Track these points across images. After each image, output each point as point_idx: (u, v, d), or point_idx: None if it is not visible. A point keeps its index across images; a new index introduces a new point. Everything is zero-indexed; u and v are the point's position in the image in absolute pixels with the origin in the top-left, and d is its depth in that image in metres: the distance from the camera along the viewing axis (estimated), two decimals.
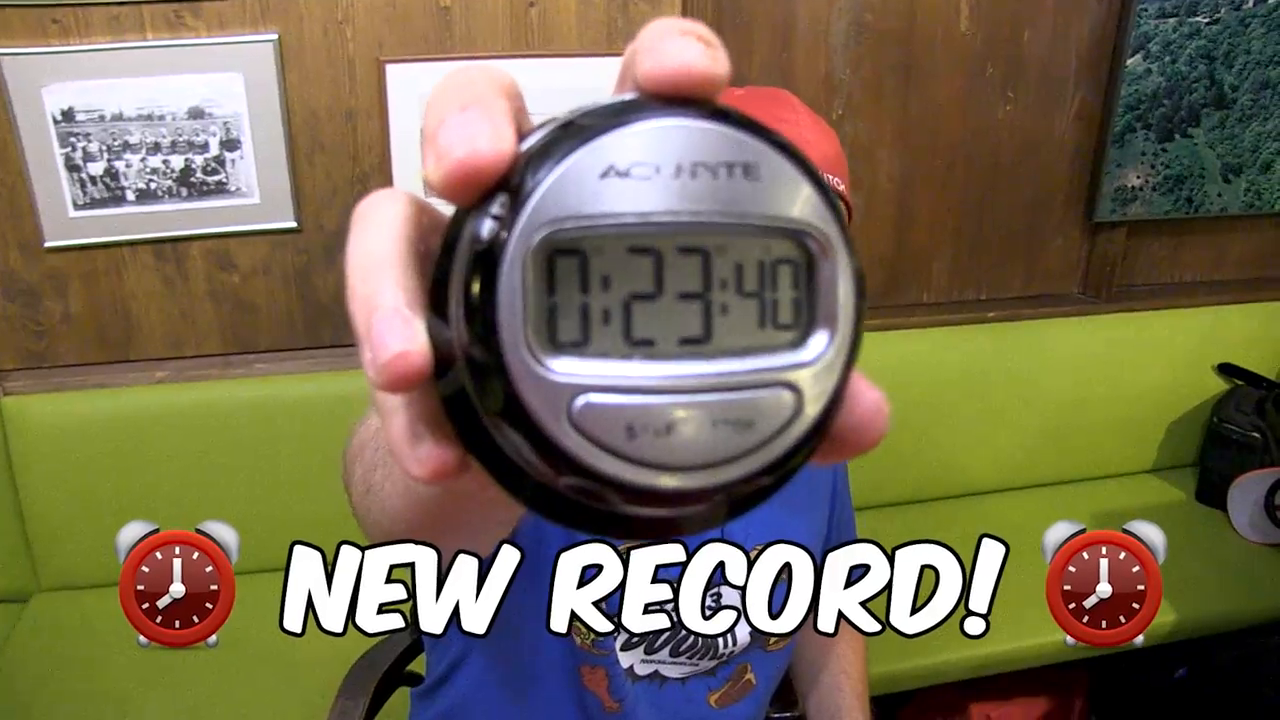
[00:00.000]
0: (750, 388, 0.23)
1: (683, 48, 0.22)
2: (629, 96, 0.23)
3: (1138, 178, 2.07)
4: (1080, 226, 2.16)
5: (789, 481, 0.25)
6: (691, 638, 0.92)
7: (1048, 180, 2.10)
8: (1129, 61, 1.96)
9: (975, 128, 2.01)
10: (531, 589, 0.57)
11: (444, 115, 0.22)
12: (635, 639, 0.91)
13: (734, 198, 0.22)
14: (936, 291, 2.13)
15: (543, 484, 0.23)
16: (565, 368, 0.22)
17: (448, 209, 0.24)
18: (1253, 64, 2.03)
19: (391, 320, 0.22)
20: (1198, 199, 2.13)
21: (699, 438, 0.22)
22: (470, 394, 0.23)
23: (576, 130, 0.22)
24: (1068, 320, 2.14)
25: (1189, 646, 1.79)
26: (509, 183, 0.22)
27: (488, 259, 0.22)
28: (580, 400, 0.22)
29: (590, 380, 0.22)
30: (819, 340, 0.24)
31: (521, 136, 0.23)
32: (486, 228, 0.22)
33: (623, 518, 0.24)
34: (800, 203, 0.23)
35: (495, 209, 0.22)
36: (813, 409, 0.23)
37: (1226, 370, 2.18)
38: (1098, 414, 2.14)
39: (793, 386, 0.23)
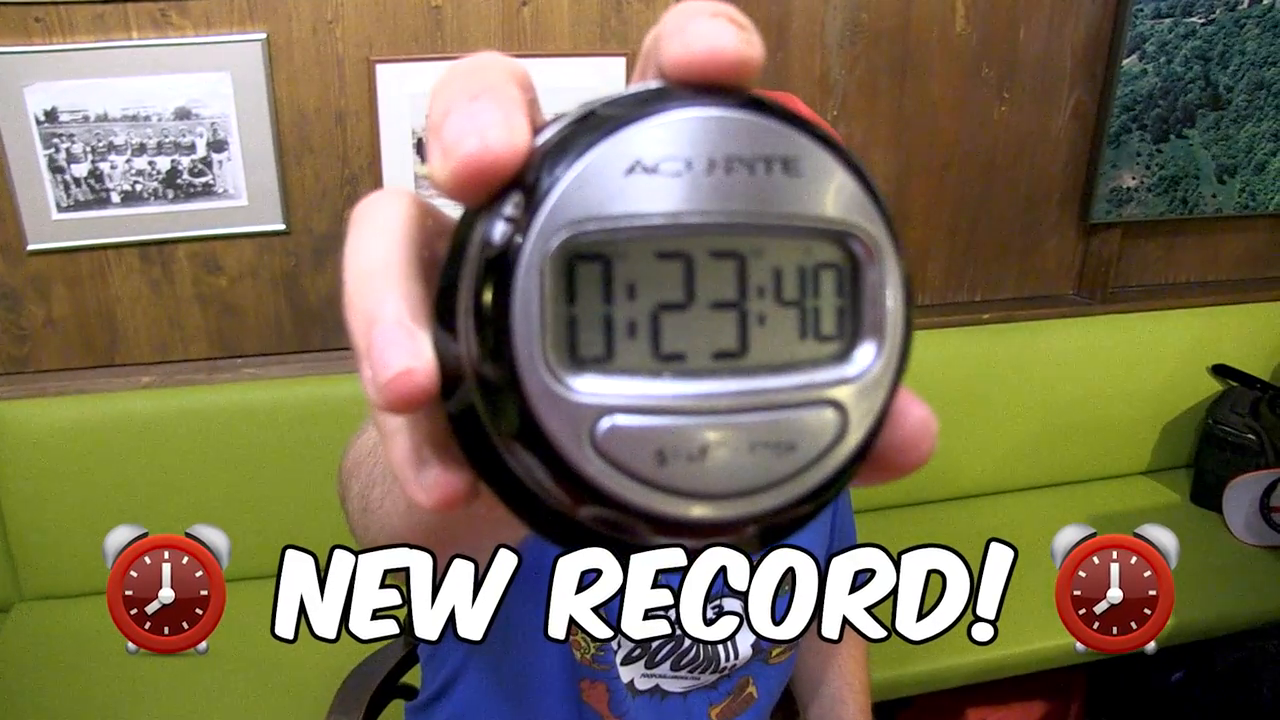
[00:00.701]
0: (791, 406, 0.21)
1: (712, 30, 0.20)
2: (654, 85, 0.21)
3: (1133, 178, 2.07)
4: (1075, 227, 2.16)
5: (828, 508, 0.23)
6: (693, 651, 0.90)
7: (1043, 181, 2.09)
8: (1124, 62, 1.96)
9: (970, 128, 2.00)
10: (530, 601, 0.55)
11: (451, 105, 0.20)
12: (636, 652, 0.89)
13: (772, 196, 0.20)
14: (931, 293, 2.12)
15: (561, 513, 0.21)
16: (587, 386, 0.20)
17: (454, 210, 0.22)
18: (1248, 65, 2.03)
19: (394, 334, 0.20)
20: (1192, 200, 2.12)
21: (735, 463, 0.20)
22: (481, 415, 0.21)
23: (598, 122, 0.20)
24: (1062, 321, 2.13)
25: (1186, 649, 1.78)
26: (523, 180, 0.20)
27: (500, 265, 0.20)
28: (604, 422, 0.20)
29: (615, 400, 0.20)
30: (865, 353, 0.22)
31: (536, 130, 0.21)
32: (499, 230, 0.20)
33: (648, 549, 0.22)
34: (845, 201, 0.21)
35: (508, 210, 0.20)
36: (858, 429, 0.21)
37: (1221, 371, 2.18)
38: (1092, 415, 2.14)
39: (837, 404, 0.21)
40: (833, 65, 1.88)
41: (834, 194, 0.21)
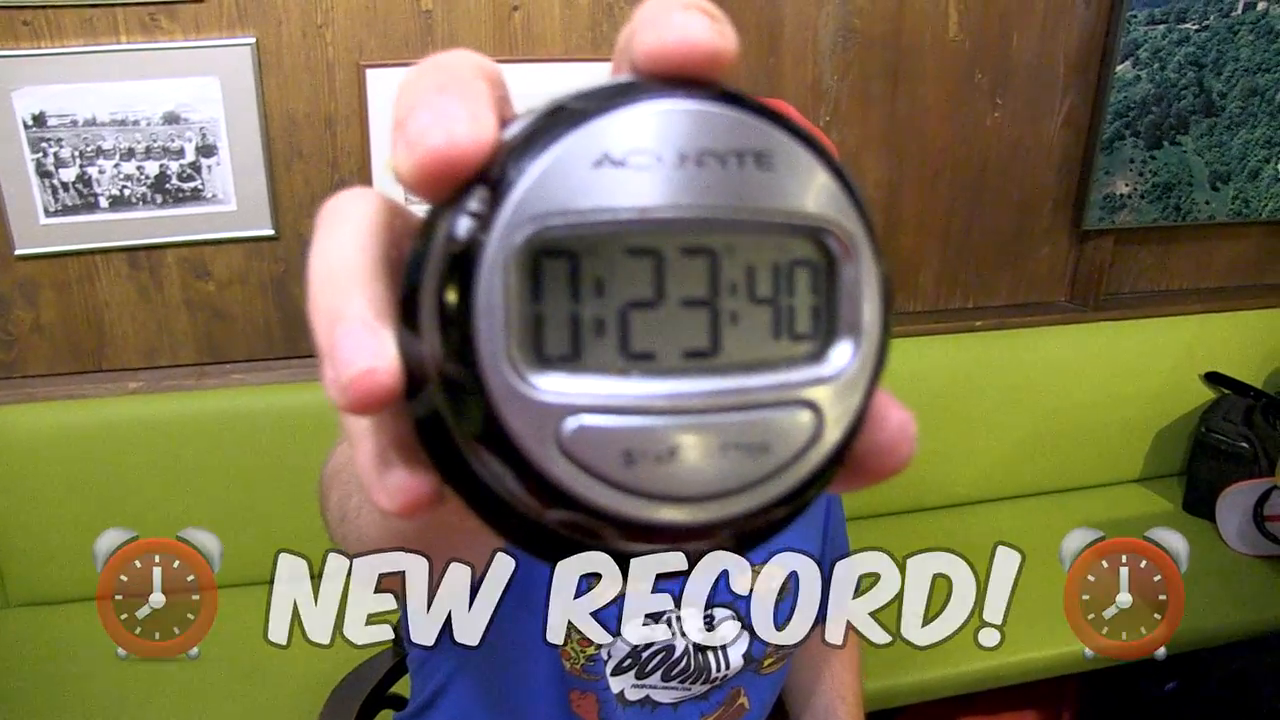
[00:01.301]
0: (764, 407, 0.20)
1: (685, 21, 0.20)
2: (625, 78, 0.20)
3: (1126, 185, 2.07)
4: (1068, 234, 2.16)
5: (804, 513, 0.22)
6: (684, 661, 0.89)
7: (1036, 187, 2.09)
8: (1118, 68, 1.96)
9: (963, 134, 2.00)
10: (521, 609, 0.54)
11: (417, 99, 0.20)
12: (626, 662, 0.88)
13: (745, 190, 0.20)
14: (923, 299, 2.12)
15: (528, 517, 0.20)
16: (553, 386, 0.19)
17: (424, 210, 0.22)
18: (1241, 71, 2.03)
19: (357, 333, 0.19)
20: (1186, 206, 2.13)
21: (706, 464, 0.20)
22: (446, 417, 0.20)
23: (566, 115, 0.19)
24: (1055, 328, 2.13)
25: (1179, 659, 1.77)
26: (489, 175, 0.19)
27: (464, 262, 0.19)
28: (571, 423, 0.19)
29: (582, 400, 0.19)
30: (841, 353, 0.21)
31: (504, 124, 0.20)
32: (463, 226, 0.19)
33: (618, 555, 0.21)
34: (820, 196, 0.20)
35: (473, 205, 0.19)
36: (834, 431, 0.21)
37: (1214, 379, 2.18)
38: (1085, 423, 2.13)
39: (812, 405, 0.21)
40: (825, 71, 1.88)
41: (809, 189, 0.20)
